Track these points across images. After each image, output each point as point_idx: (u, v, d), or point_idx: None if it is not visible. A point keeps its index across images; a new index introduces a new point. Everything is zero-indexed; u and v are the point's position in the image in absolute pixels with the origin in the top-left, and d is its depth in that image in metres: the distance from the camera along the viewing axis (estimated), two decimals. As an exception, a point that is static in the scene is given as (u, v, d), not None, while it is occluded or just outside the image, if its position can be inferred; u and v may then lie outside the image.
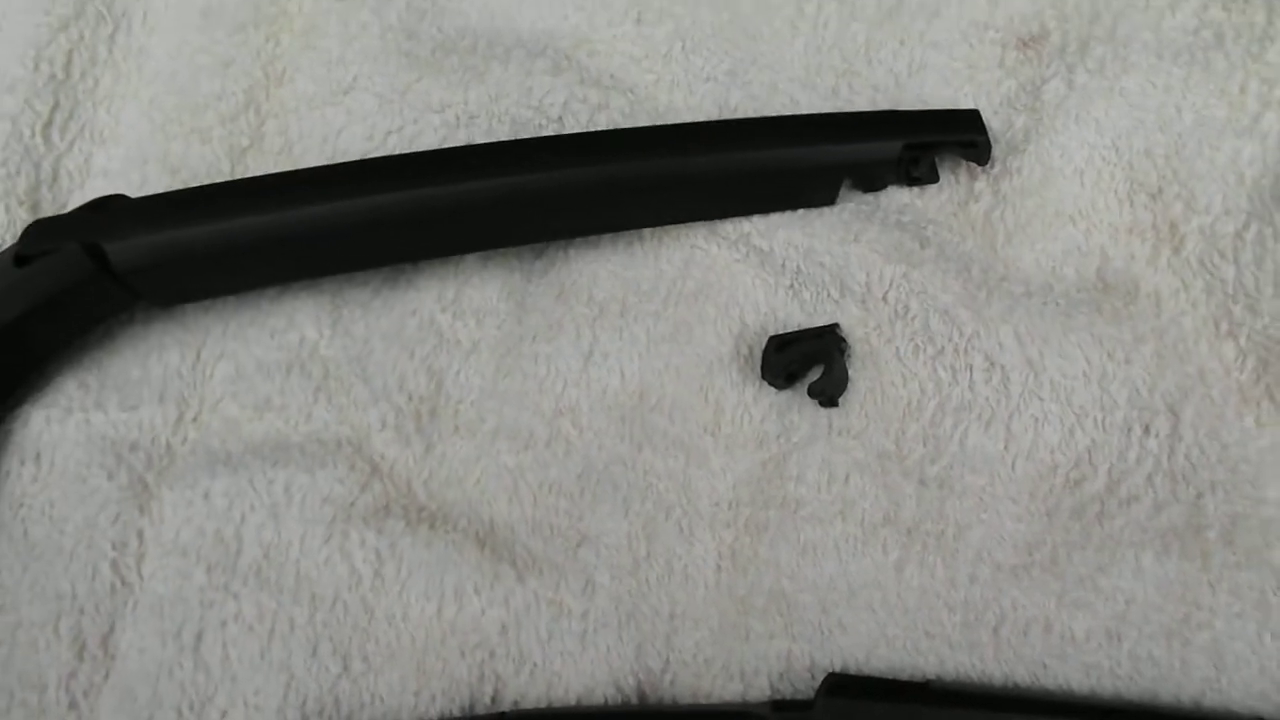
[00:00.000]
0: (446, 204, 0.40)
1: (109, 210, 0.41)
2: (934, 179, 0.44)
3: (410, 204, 0.40)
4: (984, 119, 0.45)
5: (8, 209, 0.45)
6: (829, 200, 0.44)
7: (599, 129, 0.46)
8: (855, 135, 0.43)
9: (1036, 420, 0.40)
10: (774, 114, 0.46)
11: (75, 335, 0.42)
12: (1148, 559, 0.39)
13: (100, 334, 0.43)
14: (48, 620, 0.39)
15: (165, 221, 0.40)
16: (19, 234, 0.42)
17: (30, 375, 0.42)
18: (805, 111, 0.46)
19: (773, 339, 0.41)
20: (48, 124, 0.46)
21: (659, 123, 0.46)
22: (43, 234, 0.40)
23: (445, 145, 0.45)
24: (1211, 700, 0.37)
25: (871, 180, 0.44)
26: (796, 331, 0.41)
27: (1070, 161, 0.44)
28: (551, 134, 0.46)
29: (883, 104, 0.46)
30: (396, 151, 0.45)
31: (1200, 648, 0.37)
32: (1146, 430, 0.40)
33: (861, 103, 0.46)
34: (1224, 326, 0.41)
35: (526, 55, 0.47)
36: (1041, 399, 0.41)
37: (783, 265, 0.43)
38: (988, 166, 0.44)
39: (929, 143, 0.43)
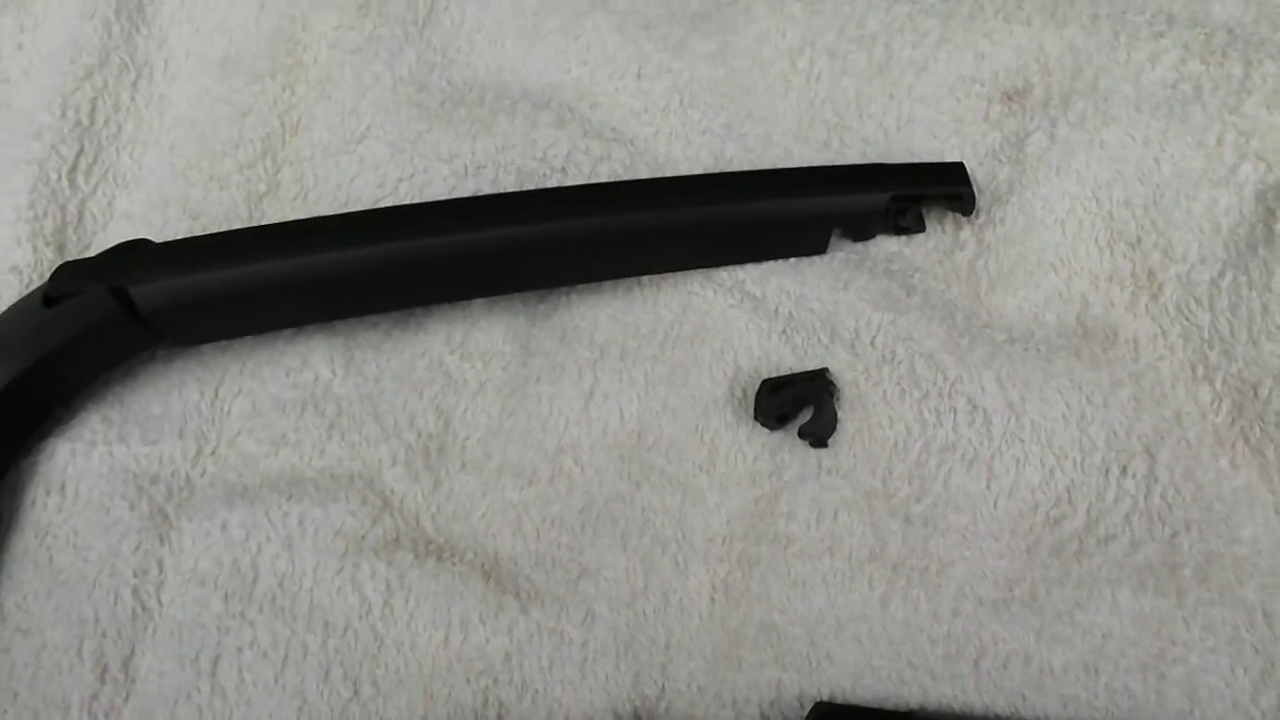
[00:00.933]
0: (454, 252, 0.43)
1: (134, 254, 0.44)
2: (921, 228, 0.47)
3: (420, 252, 0.43)
4: (969, 170, 0.47)
5: (35, 249, 0.48)
6: (820, 249, 0.47)
7: (601, 179, 0.49)
8: (844, 187, 0.46)
9: (1017, 461, 0.43)
10: (768, 165, 0.49)
11: (100, 372, 0.45)
12: (1124, 595, 0.42)
13: (123, 372, 0.46)
14: (71, 643, 0.42)
15: (187, 266, 0.43)
16: (46, 272, 0.46)
17: (56, 410, 0.45)
18: (798, 163, 0.49)
19: (765, 382, 0.44)
20: (73, 168, 0.49)
21: (658, 173, 0.49)
22: (71, 276, 0.43)
23: (454, 193, 0.48)
24: (1185, 732, 0.40)
25: (861, 230, 0.47)
26: (788, 375, 0.44)
27: (1052, 211, 0.47)
28: (555, 184, 0.48)
29: (872, 156, 0.49)
30: (407, 198, 0.49)
31: (1175, 681, 0.40)
32: (1124, 471, 0.43)
33: (852, 155, 0.49)
34: (1200, 371, 0.44)
35: (532, 108, 0.50)
36: (1022, 440, 0.43)
37: (775, 311, 0.46)
38: (973, 216, 0.47)
39: (916, 195, 0.46)
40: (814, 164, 0.49)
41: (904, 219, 0.47)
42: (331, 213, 0.48)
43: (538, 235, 0.44)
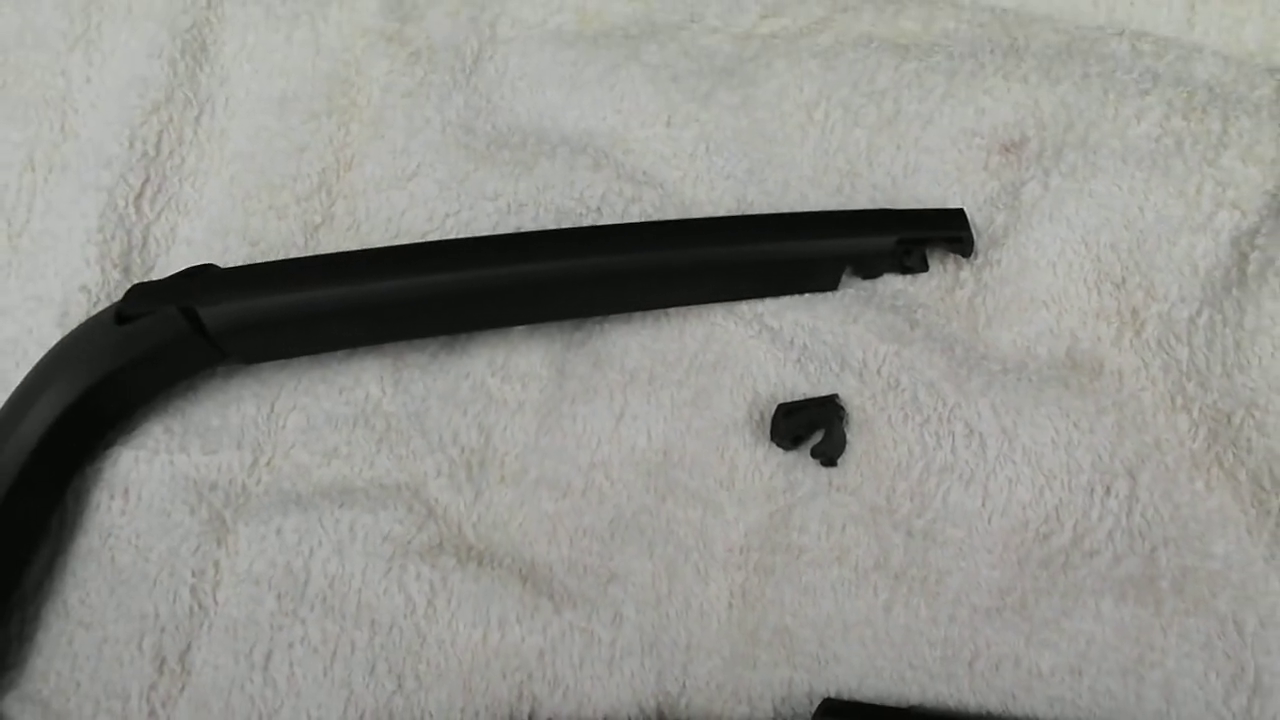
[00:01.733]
0: (497, 283, 0.49)
1: (201, 278, 0.49)
2: (924, 268, 0.53)
3: (466, 283, 0.48)
4: (969, 215, 0.53)
5: (103, 270, 0.53)
6: (832, 286, 0.52)
7: (633, 219, 0.54)
8: (855, 230, 0.52)
9: (1010, 481, 0.48)
10: (786, 208, 0.55)
11: (164, 386, 0.50)
12: (1107, 605, 0.46)
13: (185, 386, 0.51)
14: (132, 637, 0.46)
15: (251, 290, 0.48)
16: (113, 291, 0.52)
17: (122, 420, 0.50)
18: (813, 206, 0.55)
19: (781, 406, 0.49)
20: (139, 195, 0.55)
21: (685, 213, 0.54)
22: (142, 297, 0.48)
23: (497, 229, 0.54)
24: (1162, 731, 0.45)
25: (869, 269, 0.53)
26: (802, 400, 0.50)
27: (1044, 254, 0.52)
28: (590, 223, 0.54)
29: (881, 201, 0.55)
30: (454, 233, 0.54)
31: (1153, 684, 0.45)
32: (1108, 491, 0.48)
33: (862, 199, 0.55)
34: (1179, 401, 0.50)
35: (570, 152, 0.56)
36: (1015, 462, 0.49)
37: (791, 342, 0.51)
38: (972, 257, 0.53)
39: (920, 238, 0.52)
40: (827, 207, 0.55)
41: (909, 259, 0.52)
42: (382, 244, 0.53)
43: (572, 269, 0.49)
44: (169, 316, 0.47)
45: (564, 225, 0.54)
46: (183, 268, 0.50)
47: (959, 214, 0.52)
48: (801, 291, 0.53)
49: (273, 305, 0.47)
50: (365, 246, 0.52)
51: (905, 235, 0.51)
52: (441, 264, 0.48)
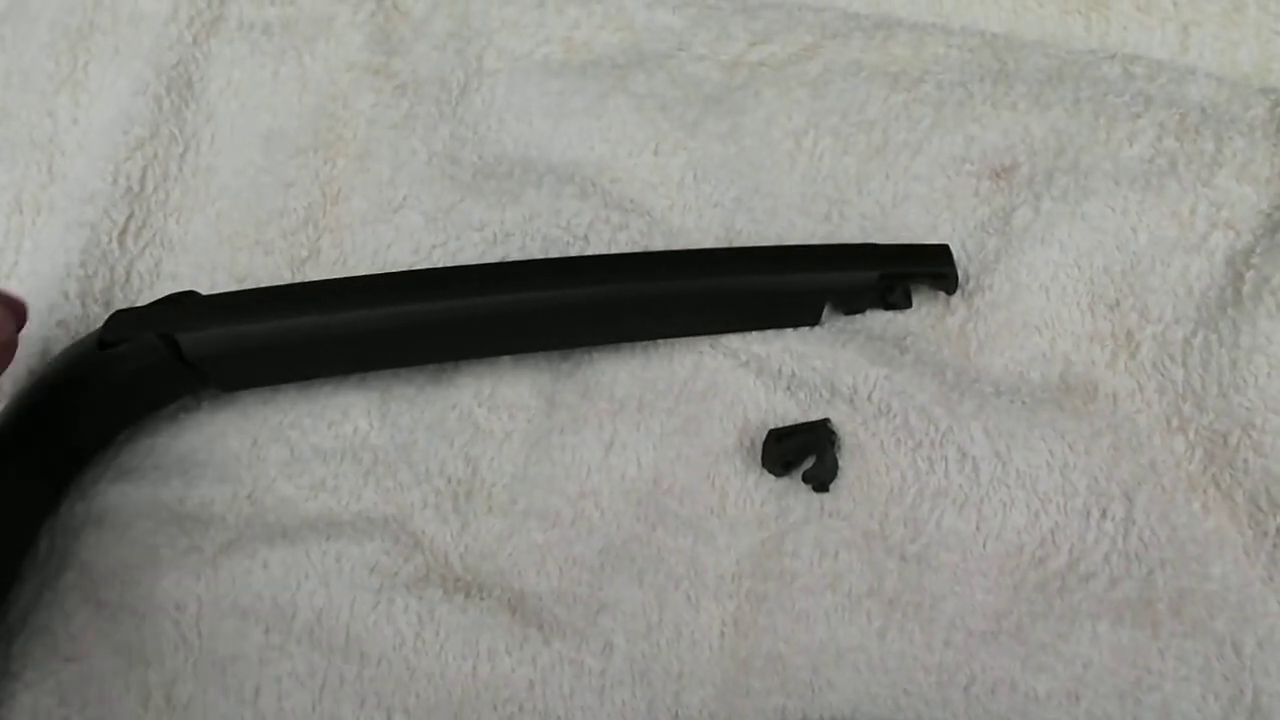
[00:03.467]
0: (483, 314, 0.52)
1: (182, 305, 0.52)
2: (907, 305, 0.57)
3: (450, 312, 0.52)
4: (960, 241, 0.58)
5: (84, 305, 0.57)
6: (814, 321, 0.56)
7: (620, 247, 0.58)
8: (836, 265, 0.55)
9: (1004, 505, 0.52)
10: (774, 236, 0.59)
11: (146, 413, 0.54)
12: (1104, 628, 0.49)
13: (168, 420, 0.55)
14: (118, 672, 0.49)
15: (231, 317, 0.51)
16: (92, 326, 0.54)
17: (105, 450, 0.54)
18: (801, 234, 0.59)
19: (771, 432, 0.53)
20: (123, 231, 0.59)
21: (672, 242, 0.59)
22: (123, 323, 0.51)
23: (483, 259, 0.58)
24: (1160, 754, 0.48)
25: (851, 304, 0.57)
26: (792, 426, 0.53)
27: (1037, 278, 0.56)
28: (578, 252, 0.58)
29: (870, 229, 0.59)
30: (440, 264, 0.58)
31: (1151, 708, 0.48)
32: (1104, 514, 0.52)
33: (851, 227, 0.59)
34: (1175, 422, 0.54)
35: (556, 181, 0.60)
36: (1009, 486, 0.52)
37: (780, 369, 0.55)
38: (964, 283, 0.57)
39: (902, 273, 0.56)
40: (816, 235, 0.59)
41: (892, 295, 0.56)
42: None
43: (558, 301, 0.53)
44: (148, 343, 0.51)
45: (551, 254, 0.58)
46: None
47: (943, 250, 0.56)
48: (783, 326, 0.56)
49: (252, 332, 0.51)
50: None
51: (888, 271, 0.55)
52: (426, 292, 0.52)
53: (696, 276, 0.54)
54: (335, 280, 0.54)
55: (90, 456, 0.54)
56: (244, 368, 0.53)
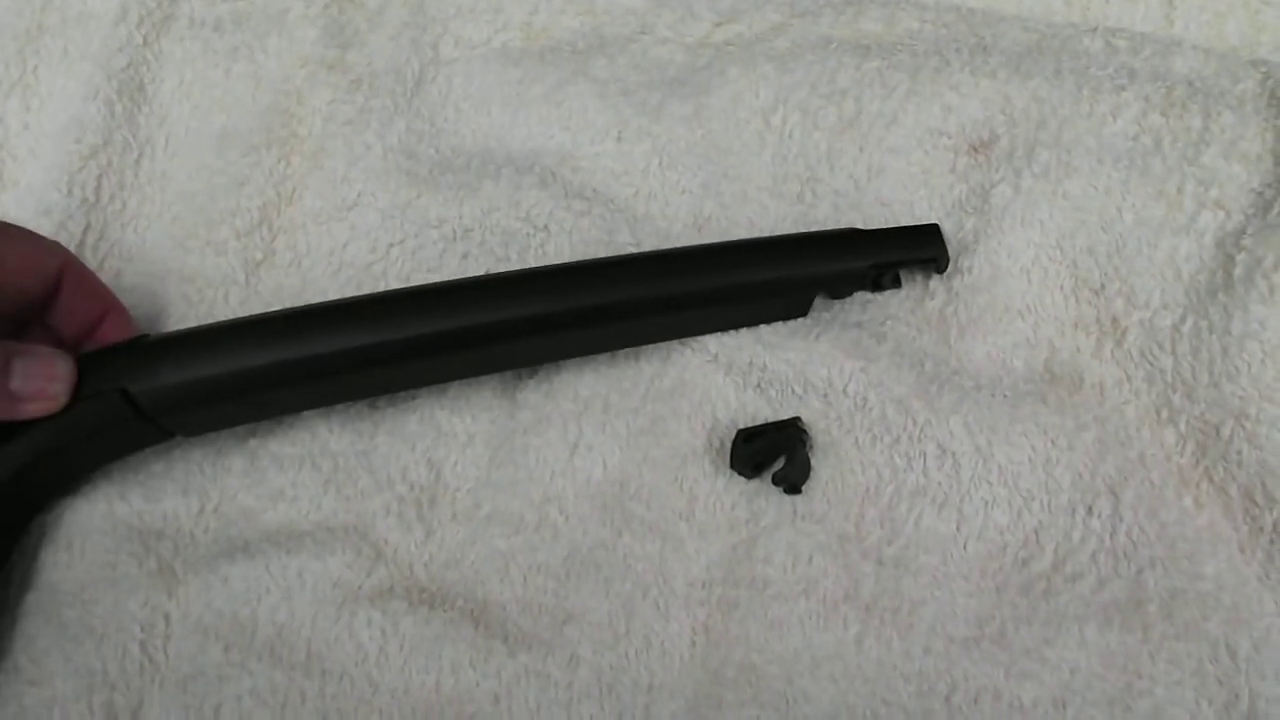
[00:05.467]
0: (445, 339, 0.47)
1: (137, 352, 0.47)
2: (898, 286, 0.52)
3: (412, 341, 0.47)
4: (936, 220, 0.53)
5: None
6: (802, 313, 0.52)
7: (581, 238, 0.53)
8: (826, 256, 0.50)
9: (986, 503, 0.48)
10: (744, 221, 0.54)
11: (111, 460, 0.50)
12: (1091, 631, 0.46)
13: None
14: (81, 695, 0.46)
15: (187, 363, 0.46)
16: None
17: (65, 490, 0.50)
18: (773, 217, 0.54)
19: (740, 432, 0.49)
20: (80, 244, 0.55)
21: (637, 230, 0.54)
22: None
23: (442, 256, 0.54)
24: (1151, 763, 0.44)
25: (840, 291, 0.52)
26: (761, 426, 0.49)
27: (1017, 260, 0.52)
28: (538, 245, 0.53)
29: (843, 208, 0.54)
30: (398, 262, 0.54)
31: (1141, 714, 0.45)
32: (1090, 511, 0.48)
33: (824, 207, 0.54)
34: (1164, 414, 0.49)
35: (516, 172, 0.56)
36: (990, 483, 0.48)
37: (750, 364, 0.51)
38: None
39: (894, 260, 0.51)
40: (788, 217, 0.54)
41: (883, 279, 0.52)
42: (325, 278, 0.53)
43: (537, 318, 0.48)
44: (105, 400, 0.46)
45: (510, 247, 0.54)
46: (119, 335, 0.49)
47: (934, 230, 0.52)
48: (771, 321, 0.52)
49: (210, 379, 0.46)
50: (307, 281, 0.53)
51: (879, 259, 0.51)
52: (383, 321, 0.47)
53: (681, 279, 0.49)
54: (291, 314, 0.48)
55: (52, 497, 0.50)
56: (209, 414, 0.48)
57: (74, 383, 0.45)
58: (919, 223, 0.53)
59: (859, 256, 0.51)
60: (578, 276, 0.49)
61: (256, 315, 0.48)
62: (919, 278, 0.53)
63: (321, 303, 0.48)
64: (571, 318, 0.48)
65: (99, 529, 0.49)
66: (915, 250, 0.51)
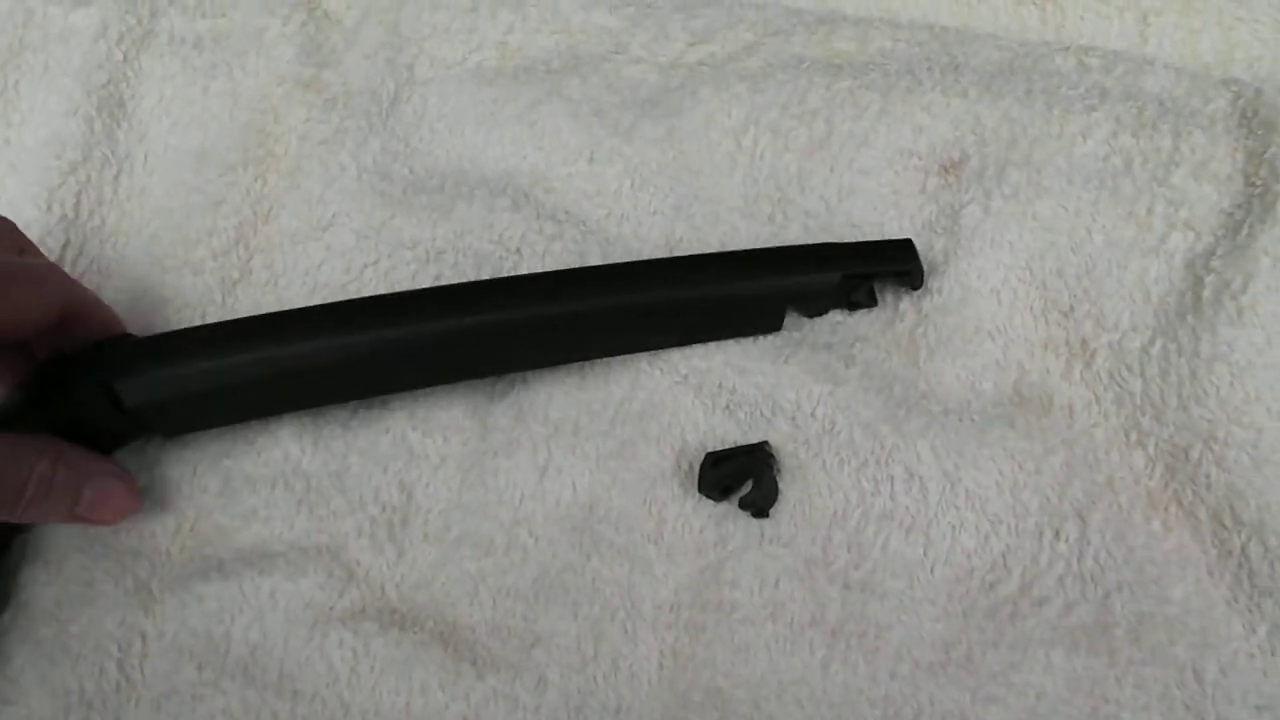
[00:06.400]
0: (421, 344, 0.46)
1: (119, 349, 0.47)
2: (872, 303, 0.51)
3: (385, 343, 0.46)
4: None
5: None
6: (775, 327, 0.50)
7: (554, 262, 0.52)
8: (797, 268, 0.49)
9: (953, 527, 0.46)
10: (716, 243, 0.52)
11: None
12: (1058, 656, 0.44)
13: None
14: (57, 714, 0.45)
15: (168, 362, 0.45)
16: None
17: None
18: (745, 239, 0.52)
19: (708, 455, 0.47)
20: (59, 259, 0.53)
21: (609, 252, 0.52)
22: (54, 372, 0.45)
23: (416, 278, 0.52)
24: (1117, 788, 0.43)
25: (813, 307, 0.51)
26: (730, 449, 0.48)
27: (987, 281, 0.50)
28: (511, 265, 0.52)
29: (814, 228, 0.52)
30: (372, 283, 0.52)
31: None
32: (1057, 535, 0.46)
33: (795, 227, 0.52)
34: (1133, 436, 0.48)
35: (489, 194, 0.54)
36: (958, 508, 0.47)
37: (719, 386, 0.49)
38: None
39: (866, 272, 0.49)
40: (759, 238, 0.53)
41: (856, 294, 0.50)
42: (301, 299, 0.52)
43: (512, 323, 0.46)
44: (87, 393, 0.45)
45: (483, 269, 0.52)
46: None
47: (907, 245, 0.50)
48: (743, 335, 0.50)
49: (195, 374, 0.45)
50: (283, 301, 0.52)
51: (851, 270, 0.49)
52: (359, 323, 0.46)
53: (651, 290, 0.48)
54: (268, 319, 0.47)
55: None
56: (190, 412, 0.47)
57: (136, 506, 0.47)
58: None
59: (829, 268, 0.49)
60: (552, 283, 0.48)
61: (241, 318, 0.47)
62: (889, 299, 0.51)
63: (304, 307, 0.47)
64: (545, 323, 0.47)
65: (76, 547, 0.48)
66: (888, 262, 0.50)
